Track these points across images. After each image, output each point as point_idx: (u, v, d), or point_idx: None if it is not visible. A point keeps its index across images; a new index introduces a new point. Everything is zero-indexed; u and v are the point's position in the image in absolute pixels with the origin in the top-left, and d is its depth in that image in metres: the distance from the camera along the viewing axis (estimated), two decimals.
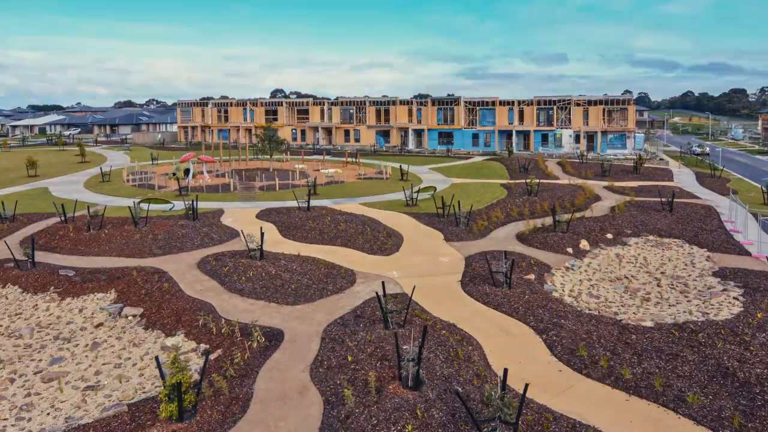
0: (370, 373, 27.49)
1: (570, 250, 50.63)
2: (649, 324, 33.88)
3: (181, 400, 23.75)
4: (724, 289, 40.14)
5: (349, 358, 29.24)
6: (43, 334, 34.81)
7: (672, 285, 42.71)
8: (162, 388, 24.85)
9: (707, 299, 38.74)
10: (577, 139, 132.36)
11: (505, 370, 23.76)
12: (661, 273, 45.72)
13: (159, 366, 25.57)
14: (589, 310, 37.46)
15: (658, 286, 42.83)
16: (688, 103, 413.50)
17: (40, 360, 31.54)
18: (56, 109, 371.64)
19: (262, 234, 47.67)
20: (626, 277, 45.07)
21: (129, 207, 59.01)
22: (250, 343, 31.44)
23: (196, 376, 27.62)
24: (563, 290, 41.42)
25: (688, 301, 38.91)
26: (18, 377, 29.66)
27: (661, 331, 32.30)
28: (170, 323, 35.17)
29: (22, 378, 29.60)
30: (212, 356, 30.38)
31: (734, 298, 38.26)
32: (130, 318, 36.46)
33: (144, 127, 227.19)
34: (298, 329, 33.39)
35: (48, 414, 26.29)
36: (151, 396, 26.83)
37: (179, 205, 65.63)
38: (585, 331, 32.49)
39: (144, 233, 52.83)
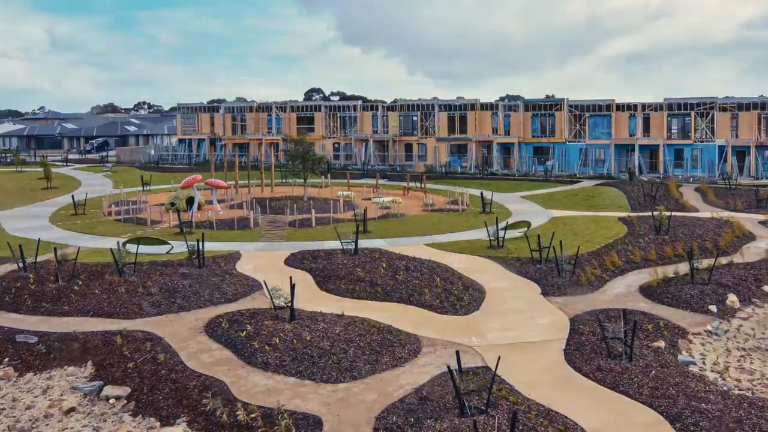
0: None
1: (713, 308, 50.05)
2: None
3: None
4: None
5: None
6: None
7: None
8: None
9: None
10: (722, 155, 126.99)
11: None
12: None
13: None
14: (741, 390, 36.86)
15: None
16: None
17: None
18: (12, 116, 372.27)
19: (293, 286, 46.77)
20: None
21: (111, 249, 58.51)
22: None
23: None
24: (704, 363, 40.92)
25: None
26: None
27: None
28: (167, 408, 34.95)
29: None
30: None
31: None
32: (112, 401, 36.38)
33: (132, 140, 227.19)
34: (341, 416, 33.20)
35: None
36: None
37: (180, 247, 65.37)
38: (734, 419, 31.97)
39: (132, 285, 52.82)
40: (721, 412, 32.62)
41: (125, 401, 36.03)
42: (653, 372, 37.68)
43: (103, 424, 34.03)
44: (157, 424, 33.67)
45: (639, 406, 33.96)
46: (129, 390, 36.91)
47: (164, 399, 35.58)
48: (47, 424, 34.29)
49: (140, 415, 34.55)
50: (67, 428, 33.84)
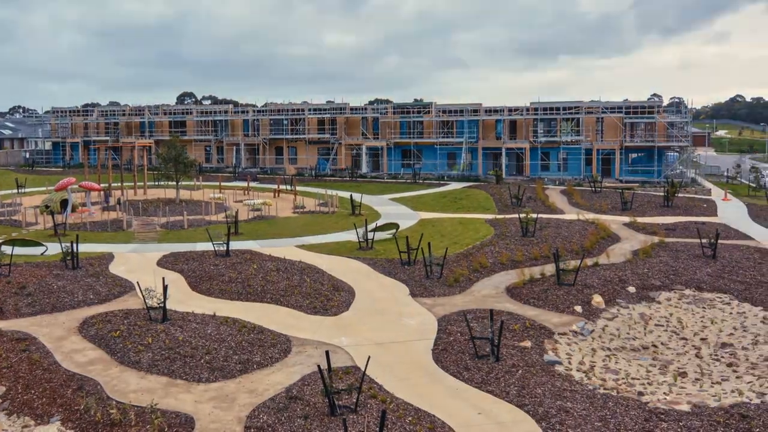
0: None
1: (579, 308, 50.87)
2: (685, 408, 33.98)
3: None
4: None
5: None
6: None
7: (716, 356, 43.18)
8: None
9: (764, 375, 39.06)
10: (588, 159, 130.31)
11: None
12: (702, 339, 46.17)
13: None
14: (605, 389, 37.46)
15: (698, 357, 43.27)
16: (736, 111, 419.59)
17: None
18: None
19: (165, 287, 46.86)
20: (654, 345, 45.43)
21: None
22: None
23: None
24: (570, 363, 41.45)
25: (737, 378, 39.20)
26: None
27: (702, 418, 32.36)
28: (42, 407, 34.55)
29: None
30: None
31: None
32: None
33: (7, 143, 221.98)
34: (213, 415, 33.23)
35: None
36: None
37: (54, 249, 64.36)
38: (599, 418, 32.55)
39: (6, 286, 52.28)
40: (586, 411, 33.21)
41: (0, 400, 35.53)
42: (520, 372, 38.22)
43: None
44: (32, 422, 33.23)
45: (506, 405, 34.36)
46: (4, 389, 36.44)
47: (39, 398, 35.21)
48: None
49: (15, 414, 34.13)
50: None
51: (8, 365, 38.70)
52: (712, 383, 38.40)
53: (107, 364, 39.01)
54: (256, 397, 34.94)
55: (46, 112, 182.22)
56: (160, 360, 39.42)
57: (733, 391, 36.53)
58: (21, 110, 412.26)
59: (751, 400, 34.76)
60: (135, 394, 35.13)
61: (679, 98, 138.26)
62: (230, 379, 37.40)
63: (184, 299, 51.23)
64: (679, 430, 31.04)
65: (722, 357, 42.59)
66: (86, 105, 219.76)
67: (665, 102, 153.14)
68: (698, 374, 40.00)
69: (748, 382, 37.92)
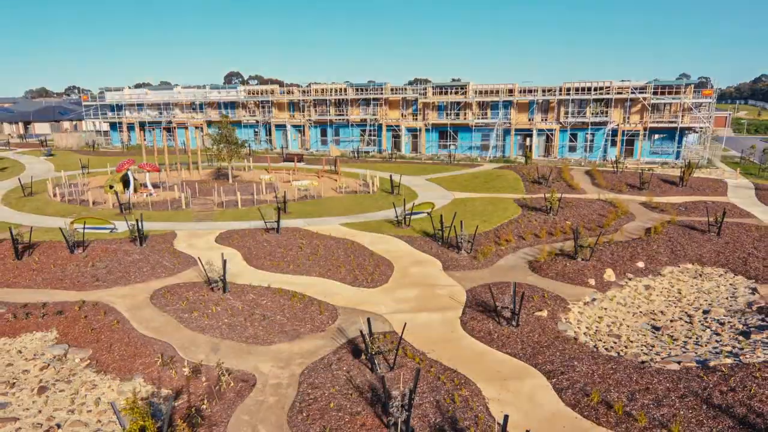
0: (354, 420, 30.94)
1: (592, 281, 53.31)
2: (674, 366, 36.86)
3: None
4: (767, 327, 43.12)
5: (331, 405, 32.48)
6: None
7: (705, 322, 45.77)
8: None
9: (744, 339, 41.68)
10: (613, 141, 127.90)
11: (506, 417, 26.54)
12: (696, 308, 48.80)
13: (116, 412, 28.88)
14: (608, 350, 40.66)
15: (690, 323, 45.93)
16: (759, 90, 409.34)
17: None
18: None
19: (224, 262, 49.64)
20: (653, 313, 48.18)
21: (61, 229, 60.71)
22: (218, 388, 34.48)
23: (160, 423, 30.24)
24: (579, 328, 44.40)
25: (720, 341, 41.82)
26: None
27: (688, 375, 35.24)
28: (125, 366, 37.85)
29: None
30: (176, 402, 33.37)
31: None
32: (77, 360, 39.19)
33: (66, 125, 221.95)
34: (271, 373, 36.45)
35: None
36: None
37: (121, 227, 67.45)
38: (600, 375, 35.65)
39: (83, 261, 55.38)
40: (589, 369, 36.37)
41: (89, 361, 38.93)
42: (536, 336, 41.40)
43: (73, 378, 36.95)
44: (117, 379, 36.62)
45: (522, 364, 37.59)
46: (91, 351, 39.92)
47: (121, 358, 38.54)
48: (26, 379, 37.13)
49: (102, 372, 37.51)
50: (43, 382, 36.69)
51: (92, 331, 42.18)
52: (699, 345, 41.12)
53: (177, 329, 42.27)
54: (307, 358, 38.17)
55: (101, 92, 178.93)
56: (223, 326, 42.65)
57: (716, 353, 39.21)
58: (76, 90, 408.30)
59: (730, 360, 37.33)
60: (203, 354, 38.49)
61: (706, 78, 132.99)
62: (285, 343, 40.52)
63: (241, 272, 53.86)
64: (667, 384, 34.02)
65: (710, 323, 45.16)
66: (138, 84, 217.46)
67: (694, 77, 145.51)
68: (688, 338, 42.76)
69: (730, 345, 40.58)
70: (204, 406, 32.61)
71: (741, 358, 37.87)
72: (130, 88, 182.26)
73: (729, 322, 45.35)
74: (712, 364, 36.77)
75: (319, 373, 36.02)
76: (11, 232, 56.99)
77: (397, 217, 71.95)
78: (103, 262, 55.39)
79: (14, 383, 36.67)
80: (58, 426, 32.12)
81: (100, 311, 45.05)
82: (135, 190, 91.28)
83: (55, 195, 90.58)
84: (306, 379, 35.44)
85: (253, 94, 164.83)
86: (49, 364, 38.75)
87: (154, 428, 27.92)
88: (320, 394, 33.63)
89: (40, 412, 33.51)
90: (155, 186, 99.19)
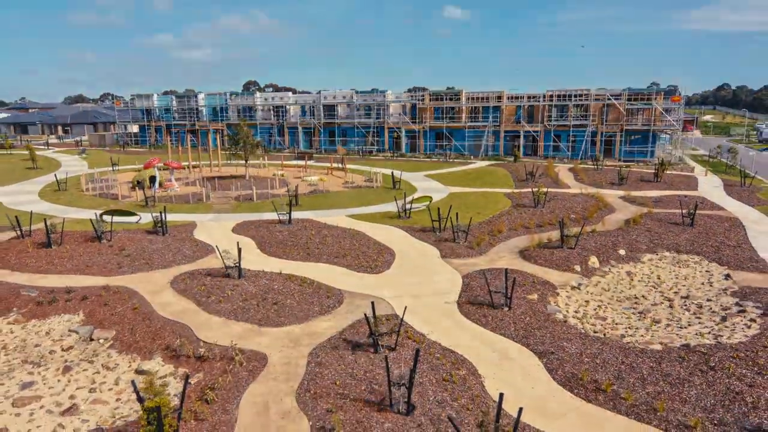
0: (359, 397, 29.87)
1: (578, 267, 52.37)
2: (657, 347, 36.03)
3: (161, 425, 25.38)
4: (742, 310, 42.07)
5: (337, 383, 31.44)
6: (10, 358, 36.46)
7: (685, 306, 44.74)
8: (141, 412, 26.71)
9: (721, 321, 40.71)
10: (593, 142, 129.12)
11: (501, 395, 25.59)
12: (675, 293, 47.75)
13: (136, 390, 27.83)
14: (595, 332, 39.52)
15: (670, 306, 44.83)
16: (722, 97, 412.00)
17: (10, 384, 33.16)
18: None
19: (240, 250, 49.00)
20: (636, 297, 47.10)
21: (91, 220, 60.21)
22: (231, 367, 33.34)
23: (176, 401, 29.52)
24: (567, 311, 43.28)
25: (700, 323, 40.88)
26: None
27: (670, 355, 34.52)
28: (145, 346, 36.79)
29: None
30: (192, 381, 32.25)
31: (751, 320, 40.12)
32: (101, 341, 38.11)
33: (101, 127, 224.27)
34: (282, 353, 35.35)
35: None
36: (131, 420, 28.82)
37: (146, 218, 66.98)
38: (588, 355, 34.83)
39: (109, 249, 54.57)
40: (578, 349, 35.60)
41: (112, 341, 37.86)
42: (527, 318, 40.38)
43: (96, 359, 35.79)
44: (138, 358, 35.59)
45: (515, 345, 36.63)
46: (114, 332, 38.78)
47: (142, 339, 37.47)
48: (52, 359, 36.05)
49: (124, 352, 36.43)
50: (67, 361, 35.55)
51: (116, 313, 41.11)
52: (680, 327, 40.17)
53: (195, 312, 41.19)
54: (315, 339, 37.10)
55: (132, 98, 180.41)
56: (238, 309, 41.57)
57: (696, 334, 38.32)
58: (110, 97, 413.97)
59: (709, 341, 36.64)
60: (218, 336, 37.40)
61: (674, 86, 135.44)
62: (295, 325, 39.44)
63: (255, 260, 53.00)
64: (651, 364, 33.31)
65: (689, 307, 44.19)
66: (165, 92, 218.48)
67: (663, 85, 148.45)
68: (669, 320, 41.74)
69: (708, 327, 39.70)
70: (218, 385, 31.51)
71: (719, 339, 37.10)
72: (158, 95, 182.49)
73: (706, 305, 44.37)
74: (693, 345, 36.06)
75: (326, 353, 35.04)
76: (45, 223, 56.61)
77: (398, 209, 71.58)
78: (127, 250, 54.52)
79: (40, 363, 35.66)
80: (76, 406, 31.02)
81: (124, 295, 44.03)
82: (160, 185, 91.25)
83: (87, 189, 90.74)
84: (314, 358, 34.43)
85: (268, 100, 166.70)
86: (74, 345, 37.77)
87: (170, 405, 26.99)
88: (327, 373, 32.65)
89: (63, 390, 32.45)
90: (178, 180, 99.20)
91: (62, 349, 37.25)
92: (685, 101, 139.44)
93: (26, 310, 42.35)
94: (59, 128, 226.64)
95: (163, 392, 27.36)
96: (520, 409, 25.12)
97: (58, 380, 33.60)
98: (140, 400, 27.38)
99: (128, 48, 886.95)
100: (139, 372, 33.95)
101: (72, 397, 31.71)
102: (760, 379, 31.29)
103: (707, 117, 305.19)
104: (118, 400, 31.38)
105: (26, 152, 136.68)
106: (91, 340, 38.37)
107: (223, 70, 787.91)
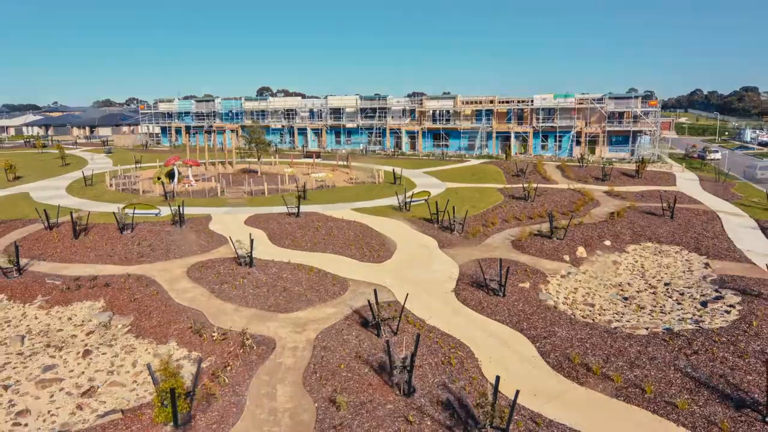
0: (362, 380, 29.21)
1: (566, 257, 51.94)
2: (643, 332, 35.45)
3: (175, 406, 25.03)
4: (721, 297, 41.47)
5: (342, 366, 30.82)
6: (34, 342, 36.02)
7: (668, 293, 44.15)
8: (155, 394, 26.28)
9: (702, 307, 40.12)
10: (578, 141, 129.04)
11: (497, 378, 25.19)
12: (658, 281, 47.14)
13: (151, 373, 27.23)
14: (584, 317, 38.95)
15: (654, 293, 44.27)
16: (695, 101, 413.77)
17: (33, 367, 32.73)
18: (32, 108, 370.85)
19: (252, 241, 48.51)
20: (622, 285, 46.53)
21: (114, 213, 59.85)
22: (242, 350, 32.70)
23: (189, 383, 29.02)
24: (558, 298, 42.76)
25: (681, 309, 40.28)
26: (12, 384, 30.92)
27: (655, 339, 33.93)
28: (161, 331, 36.31)
29: (16, 385, 30.86)
30: (205, 364, 31.73)
31: (730, 306, 39.53)
32: (120, 326, 37.64)
33: (125, 129, 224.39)
34: (289, 337, 34.72)
35: (44, 420, 27.67)
36: (146, 402, 28.24)
37: (165, 211, 65.92)
38: (578, 339, 34.23)
39: (130, 240, 53.91)
40: (568, 333, 35.06)
41: (130, 326, 37.50)
42: (520, 305, 39.85)
43: (115, 342, 35.42)
44: (154, 342, 35.22)
45: (509, 330, 36.10)
46: (132, 318, 38.45)
47: (158, 324, 37.07)
48: (73, 343, 35.68)
49: (141, 336, 36.07)
50: (88, 346, 35.16)
51: (134, 300, 40.57)
52: (664, 313, 39.64)
53: (209, 299, 40.55)
54: (321, 324, 36.51)
55: (156, 102, 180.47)
56: (249, 296, 40.98)
57: (679, 320, 37.79)
58: (135, 101, 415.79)
59: (692, 326, 36.14)
60: (230, 321, 36.78)
61: (650, 91, 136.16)
62: (302, 311, 38.87)
63: (266, 250, 52.20)
64: (637, 347, 32.76)
65: (672, 294, 43.63)
66: (186, 97, 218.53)
67: (641, 91, 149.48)
68: (653, 307, 41.23)
69: (690, 313, 39.11)
70: (229, 367, 31.00)
71: (701, 324, 36.53)
72: (179, 99, 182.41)
73: (688, 292, 43.74)
74: (676, 329, 35.69)
75: (332, 338, 34.50)
76: (71, 216, 56.44)
77: (399, 203, 70.72)
78: (147, 240, 53.88)
79: (62, 347, 35.22)
80: (94, 388, 30.53)
81: (143, 283, 43.44)
82: (179, 181, 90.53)
83: (111, 185, 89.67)
84: (320, 343, 33.88)
85: (280, 104, 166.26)
86: (94, 330, 37.31)
87: (184, 387, 26.66)
88: (332, 356, 32.13)
89: (83, 373, 32.00)
90: (195, 177, 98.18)
91: (84, 334, 36.86)
92: (661, 105, 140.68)
93: (50, 297, 41.96)
94: (87, 129, 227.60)
95: (178, 374, 26.97)
96: (517, 392, 24.69)
97: (78, 363, 33.26)
98: (155, 382, 26.87)
99: (152, 57, 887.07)
100: (155, 355, 33.46)
101: (91, 379, 31.29)
102: (741, 362, 30.74)
103: (682, 119, 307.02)
104: (134, 382, 30.94)
105: (56, 151, 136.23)
106: (111, 325, 37.91)
107: (238, 76, 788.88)
